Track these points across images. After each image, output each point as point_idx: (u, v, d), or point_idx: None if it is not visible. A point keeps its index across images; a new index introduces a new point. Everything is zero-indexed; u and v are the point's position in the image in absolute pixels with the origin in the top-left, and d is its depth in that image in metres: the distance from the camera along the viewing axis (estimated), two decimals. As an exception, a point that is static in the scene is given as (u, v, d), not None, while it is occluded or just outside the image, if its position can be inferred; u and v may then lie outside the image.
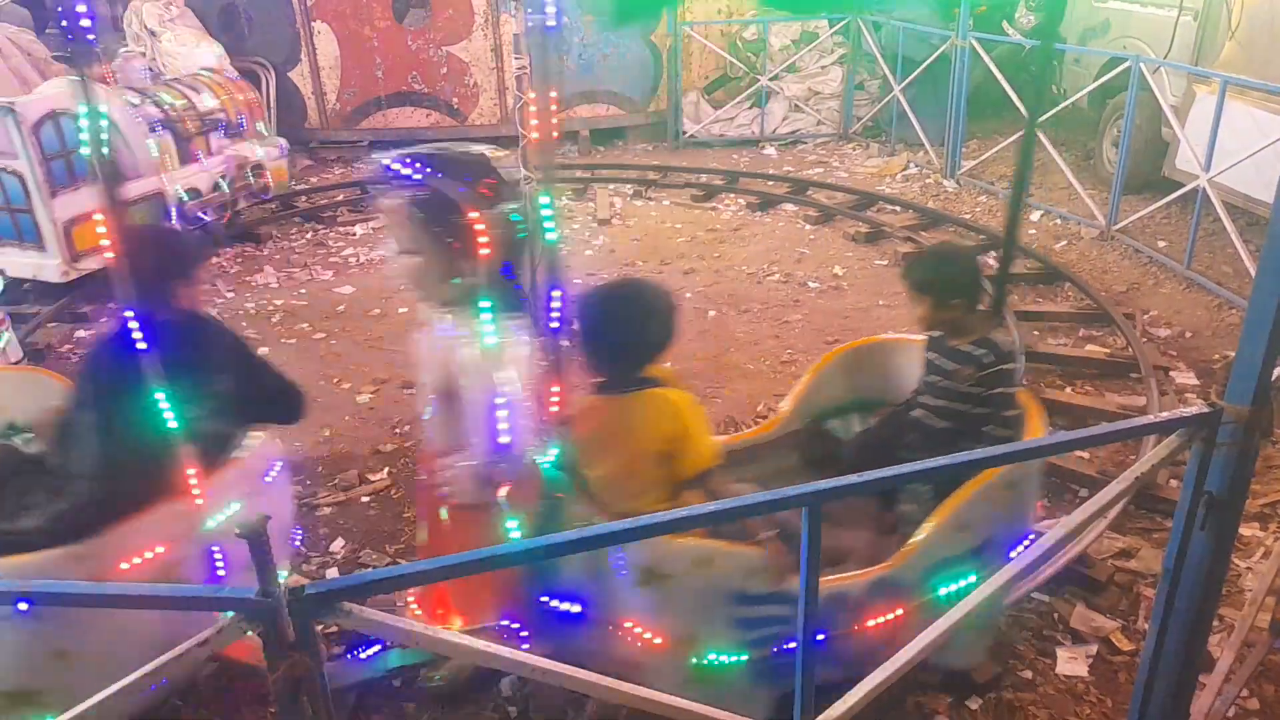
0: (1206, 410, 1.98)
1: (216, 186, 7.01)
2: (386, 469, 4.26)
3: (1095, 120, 8.23)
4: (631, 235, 7.30)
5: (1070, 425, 4.49)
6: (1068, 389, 4.82)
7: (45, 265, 5.84)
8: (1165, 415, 2.06)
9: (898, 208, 7.68)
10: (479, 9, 9.66)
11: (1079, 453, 4.09)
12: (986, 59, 7.84)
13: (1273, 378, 2.00)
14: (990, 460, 2.37)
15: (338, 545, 3.74)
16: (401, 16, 9.78)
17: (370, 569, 3.57)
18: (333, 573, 3.58)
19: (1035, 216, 7.40)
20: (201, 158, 6.95)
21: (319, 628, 1.66)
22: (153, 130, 6.52)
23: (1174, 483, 3.85)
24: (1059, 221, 7.24)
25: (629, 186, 8.44)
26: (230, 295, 6.31)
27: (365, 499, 4.05)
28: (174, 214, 6.54)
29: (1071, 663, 3.04)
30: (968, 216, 7.41)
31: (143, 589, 2.04)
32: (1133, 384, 4.81)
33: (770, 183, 8.46)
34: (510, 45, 8.84)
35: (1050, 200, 7.63)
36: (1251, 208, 5.98)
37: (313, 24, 9.62)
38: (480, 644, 1.80)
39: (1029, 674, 3.00)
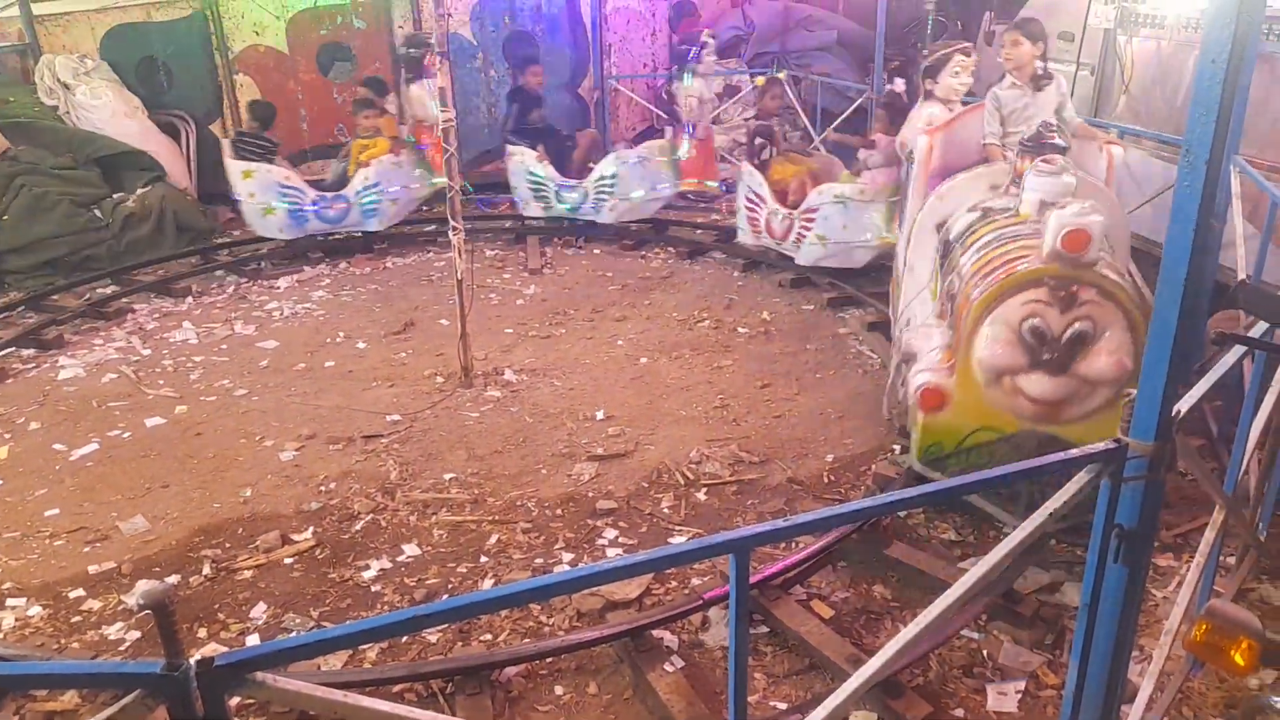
0: (1112, 446, 2.05)
1: None
2: (311, 529, 4.13)
3: (1005, 168, 8.60)
4: (563, 284, 7.31)
5: (993, 463, 4.61)
6: (989, 427, 4.96)
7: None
8: (1074, 452, 2.13)
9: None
10: (406, 62, 9.69)
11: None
12: (901, 111, 8.16)
13: (1174, 413, 2.09)
14: (912, 500, 2.41)
15: (259, 610, 3.60)
16: (326, 70, 9.75)
17: (293, 634, 3.45)
18: (253, 639, 3.44)
19: (953, 261, 7.66)
20: None
21: (233, 700, 1.59)
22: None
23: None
24: (975, 265, 7.50)
25: (560, 236, 8.48)
26: (147, 353, 6.10)
27: (289, 560, 3.92)
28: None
29: (1001, 699, 3.08)
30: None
31: (40, 667, 1.93)
32: (1050, 421, 4.97)
33: (699, 230, 8.60)
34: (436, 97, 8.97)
35: (966, 245, 7.90)
36: (1151, 250, 6.28)
37: (235, 76, 9.51)
38: (404, 710, 1.75)
39: (960, 712, 3.04)
